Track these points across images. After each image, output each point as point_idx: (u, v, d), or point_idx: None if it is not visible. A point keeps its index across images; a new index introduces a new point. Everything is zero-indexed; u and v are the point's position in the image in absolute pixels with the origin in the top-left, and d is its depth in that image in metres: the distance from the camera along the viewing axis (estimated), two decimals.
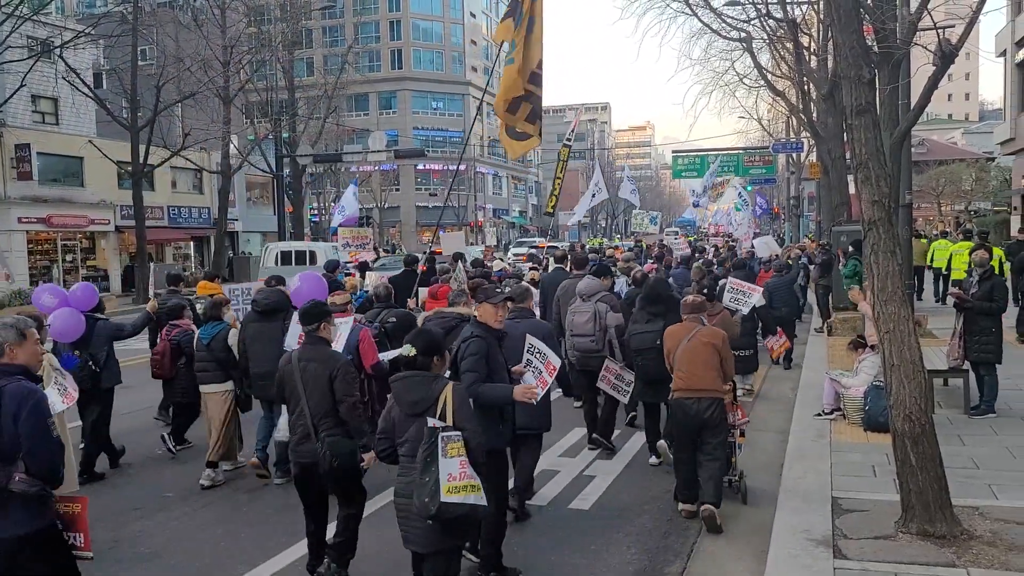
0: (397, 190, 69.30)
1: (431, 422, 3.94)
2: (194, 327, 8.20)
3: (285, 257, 24.08)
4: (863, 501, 5.91)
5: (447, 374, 4.45)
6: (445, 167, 70.93)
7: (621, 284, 10.42)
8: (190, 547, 5.96)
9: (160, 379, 8.48)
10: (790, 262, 15.63)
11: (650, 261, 17.29)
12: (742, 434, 6.77)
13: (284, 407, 5.85)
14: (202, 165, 34.54)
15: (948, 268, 17.17)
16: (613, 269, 10.44)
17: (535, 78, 9.67)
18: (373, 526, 5.77)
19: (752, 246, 21.98)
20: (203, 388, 7.55)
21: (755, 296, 9.68)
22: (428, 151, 60.85)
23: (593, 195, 22.44)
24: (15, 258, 29.90)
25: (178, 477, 7.67)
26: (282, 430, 6.68)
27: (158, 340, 8.38)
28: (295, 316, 5.97)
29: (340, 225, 23.30)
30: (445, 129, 76.94)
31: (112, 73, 31.05)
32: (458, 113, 78.31)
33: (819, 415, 8.53)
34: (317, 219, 55.90)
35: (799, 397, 9.60)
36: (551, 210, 20.00)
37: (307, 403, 5.02)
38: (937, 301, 18.05)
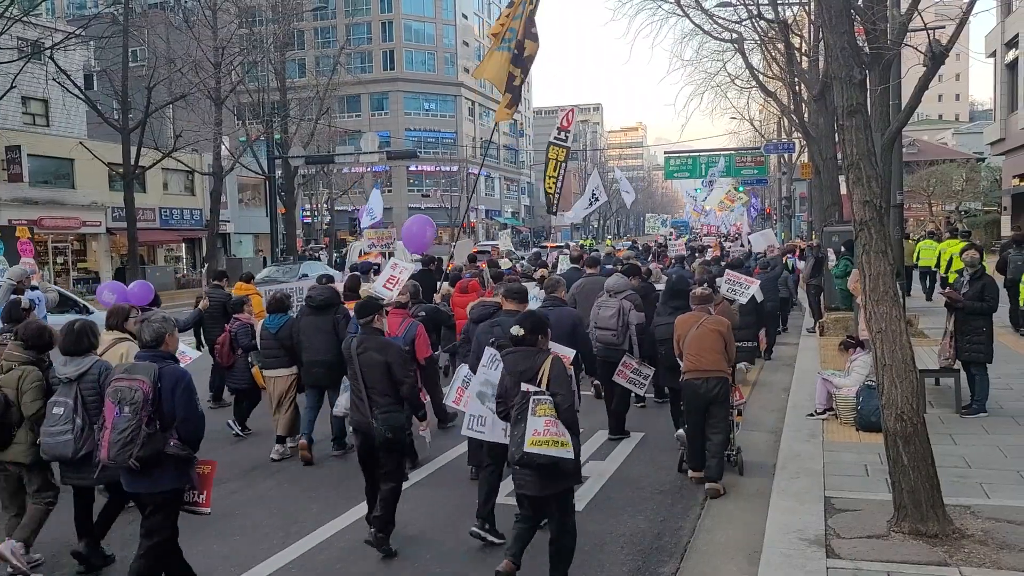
0: (389, 191, 69.22)
1: (524, 387, 4.78)
2: (253, 321, 9.06)
3: None
4: (856, 500, 5.93)
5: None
6: (437, 168, 70.91)
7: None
8: (235, 523, 6.24)
9: (222, 366, 9.44)
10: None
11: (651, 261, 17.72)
12: (739, 413, 7.49)
13: (342, 386, 6.98)
14: (194, 167, 34.46)
15: (938, 266, 17.29)
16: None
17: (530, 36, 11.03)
18: (421, 489, 6.92)
19: (748, 242, 22.32)
20: (268, 373, 8.30)
21: (752, 287, 10.35)
22: (420, 152, 60.86)
23: (592, 200, 22.88)
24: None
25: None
26: (340, 407, 7.28)
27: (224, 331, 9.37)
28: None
29: (368, 227, 25.93)
30: (437, 130, 76.94)
31: (103, 74, 30.94)
32: (450, 114, 78.32)
33: (811, 415, 8.56)
34: (309, 221, 55.81)
35: (791, 397, 9.63)
36: (555, 211, 20.68)
37: (363, 384, 5.69)
38: (929, 300, 18.13)
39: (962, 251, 9.45)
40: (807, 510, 5.76)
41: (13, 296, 8.14)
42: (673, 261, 17.76)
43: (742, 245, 23.30)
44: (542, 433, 4.62)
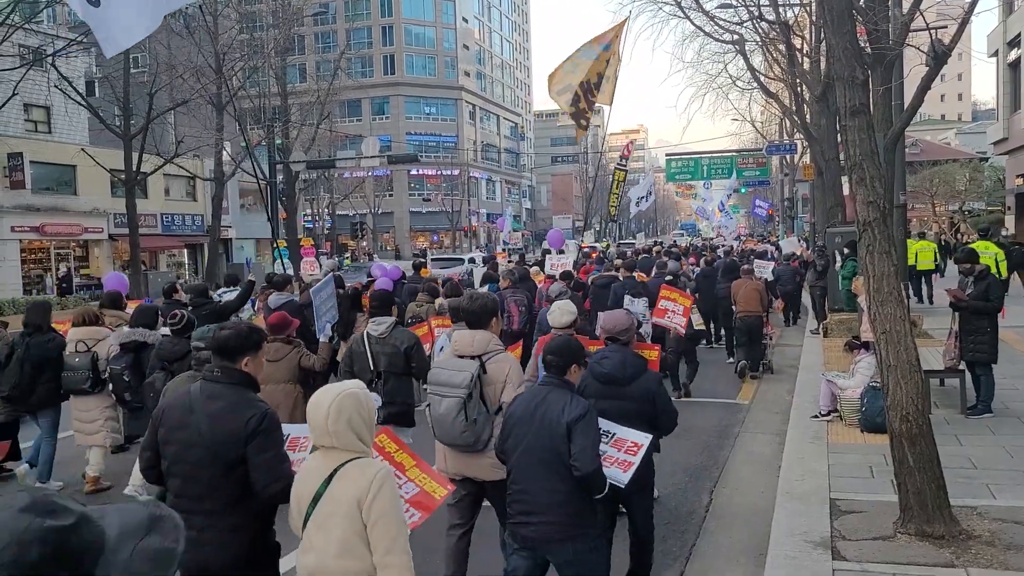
0: (390, 195, 69.24)
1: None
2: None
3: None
4: (861, 502, 5.89)
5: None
6: (439, 172, 70.92)
7: None
8: None
9: None
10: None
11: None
12: (771, 339, 13.30)
13: None
14: (195, 172, 34.45)
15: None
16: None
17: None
18: None
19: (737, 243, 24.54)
20: None
21: (768, 268, 15.94)
22: (421, 156, 60.83)
23: (644, 198, 28.86)
24: (8, 267, 29.77)
25: None
26: None
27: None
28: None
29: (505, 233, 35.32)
30: (438, 134, 76.95)
31: (104, 81, 30.99)
32: (451, 118, 78.36)
33: (816, 417, 8.52)
34: (312, 225, 55.84)
35: (795, 399, 9.60)
36: (613, 217, 29.93)
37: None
38: (919, 302, 18.04)
39: (956, 260, 9.38)
40: (812, 512, 5.73)
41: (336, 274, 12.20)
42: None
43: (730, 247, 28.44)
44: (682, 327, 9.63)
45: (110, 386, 7.13)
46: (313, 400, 3.10)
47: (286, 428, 4.02)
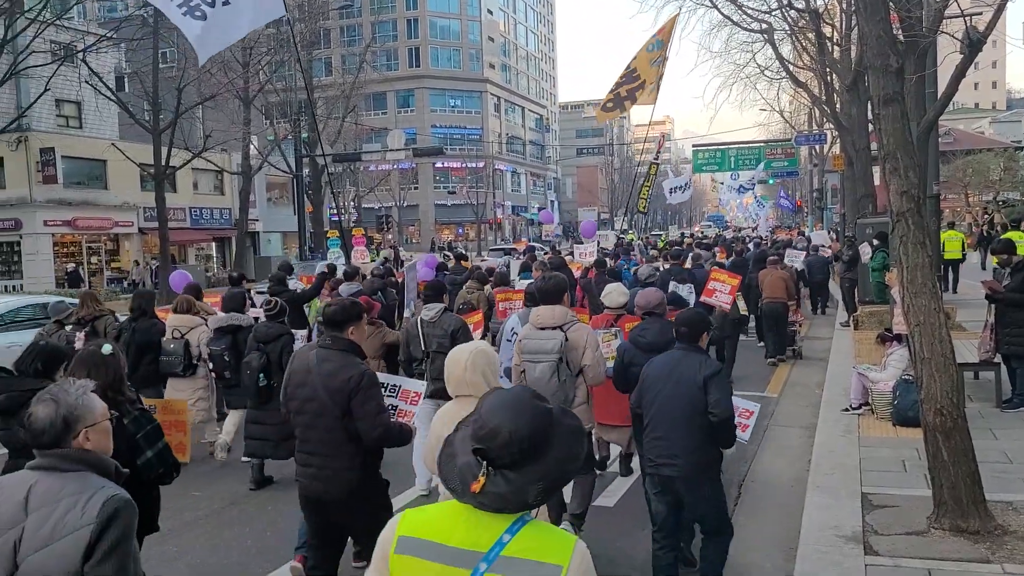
0: (416, 188, 69.38)
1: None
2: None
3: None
4: (893, 497, 5.82)
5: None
6: (464, 164, 70.99)
7: None
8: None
9: None
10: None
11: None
12: (800, 325, 13.73)
13: None
14: (223, 166, 34.76)
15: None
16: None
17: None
18: None
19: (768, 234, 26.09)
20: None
21: (800, 257, 17.29)
22: (446, 149, 60.87)
23: (681, 188, 29.47)
24: (41, 261, 30.26)
25: None
26: None
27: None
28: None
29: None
30: (463, 126, 76.95)
31: (134, 76, 31.33)
32: (476, 110, 78.30)
33: (846, 410, 8.43)
34: (336, 218, 56.16)
35: (826, 392, 9.50)
36: (643, 210, 28.63)
37: None
38: (952, 292, 18.11)
39: (993, 251, 9.23)
40: (843, 506, 5.67)
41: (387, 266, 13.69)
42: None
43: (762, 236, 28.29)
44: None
45: (201, 369, 7.80)
46: (451, 357, 3.67)
47: (399, 380, 5.13)
